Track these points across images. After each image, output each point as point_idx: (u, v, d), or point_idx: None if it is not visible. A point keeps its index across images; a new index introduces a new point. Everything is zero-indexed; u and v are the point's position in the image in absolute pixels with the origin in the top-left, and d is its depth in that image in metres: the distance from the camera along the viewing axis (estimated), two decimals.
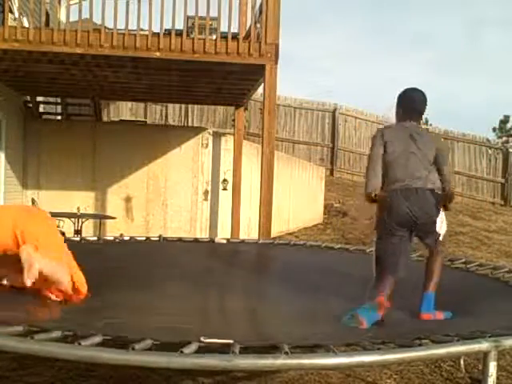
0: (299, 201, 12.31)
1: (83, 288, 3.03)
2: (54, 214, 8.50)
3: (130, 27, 6.98)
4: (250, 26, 7.29)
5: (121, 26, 6.95)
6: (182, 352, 2.17)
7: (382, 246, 3.69)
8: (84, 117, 11.48)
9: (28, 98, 10.38)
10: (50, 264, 2.82)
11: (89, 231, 9.09)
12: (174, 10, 6.94)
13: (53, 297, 2.93)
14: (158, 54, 7.01)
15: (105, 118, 12.93)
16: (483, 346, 2.47)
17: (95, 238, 6.20)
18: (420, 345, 2.46)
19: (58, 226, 8.41)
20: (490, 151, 17.55)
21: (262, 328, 3.59)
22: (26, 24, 7.66)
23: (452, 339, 2.52)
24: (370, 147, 3.84)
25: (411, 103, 3.84)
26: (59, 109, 11.61)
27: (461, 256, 6.88)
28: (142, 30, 7.14)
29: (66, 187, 9.81)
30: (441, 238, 3.78)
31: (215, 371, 3.58)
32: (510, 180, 17.42)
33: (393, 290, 3.55)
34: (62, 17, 9.06)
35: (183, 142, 10.03)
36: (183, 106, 15.03)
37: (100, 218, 9.48)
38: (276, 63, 7.03)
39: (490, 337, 2.52)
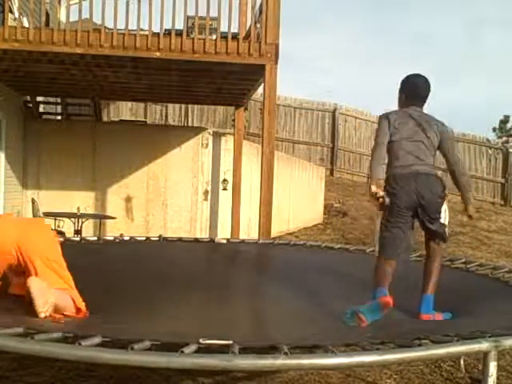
0: (299, 201, 12.31)
1: (82, 307, 3.05)
2: (54, 214, 8.57)
3: (130, 27, 6.98)
4: (250, 26, 7.29)
5: (121, 26, 6.95)
6: (182, 352, 2.17)
7: (388, 229, 3.64)
8: (84, 117, 11.49)
9: (28, 98, 10.38)
10: (57, 293, 2.87)
11: (89, 231, 9.09)
12: (174, 10, 6.95)
13: (56, 317, 2.94)
14: (158, 53, 7.01)
15: (105, 118, 12.93)
16: (483, 346, 2.46)
17: (95, 238, 6.20)
18: (420, 345, 2.45)
19: (58, 226, 8.54)
20: (490, 151, 17.56)
21: (261, 328, 3.59)
22: (26, 24, 7.65)
23: (452, 339, 2.51)
24: (376, 131, 3.78)
25: (415, 88, 3.81)
26: (59, 109, 11.61)
27: (461, 256, 6.88)
28: (142, 30, 7.14)
29: (66, 187, 9.82)
30: (446, 230, 3.77)
31: (215, 371, 3.58)
32: (510, 180, 17.42)
33: (392, 290, 3.54)
34: (62, 17, 9.06)
35: (183, 142, 10.03)
36: (183, 106, 15.03)
37: (100, 217, 9.48)
38: (276, 63, 7.03)
39: (490, 337, 2.52)
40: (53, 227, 8.53)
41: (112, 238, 5.97)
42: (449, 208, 3.91)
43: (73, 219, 8.39)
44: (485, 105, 48.05)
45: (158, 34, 7.03)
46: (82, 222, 8.46)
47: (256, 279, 4.73)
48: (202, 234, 9.75)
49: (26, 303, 2.89)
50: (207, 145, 10.02)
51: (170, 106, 15.16)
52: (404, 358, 2.59)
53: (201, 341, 2.30)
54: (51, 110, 11.86)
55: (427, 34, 62.09)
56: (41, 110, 11.15)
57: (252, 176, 9.42)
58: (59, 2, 9.87)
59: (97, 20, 7.50)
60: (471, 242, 11.82)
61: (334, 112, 16.58)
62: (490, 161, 17.48)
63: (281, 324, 3.47)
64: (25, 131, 9.98)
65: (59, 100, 11.42)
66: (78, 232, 8.23)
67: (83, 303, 3.06)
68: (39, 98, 10.87)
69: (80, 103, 11.38)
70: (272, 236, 7.56)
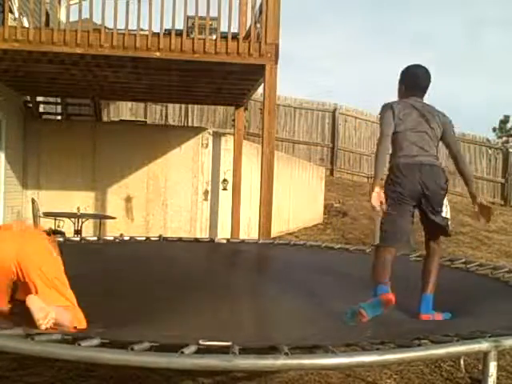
0: (299, 201, 12.31)
1: (83, 321, 3.04)
2: (54, 214, 8.57)
3: (130, 27, 6.98)
4: (250, 26, 7.29)
5: (121, 26, 6.95)
6: (182, 353, 2.16)
7: (390, 217, 3.60)
8: (84, 117, 11.49)
9: (28, 98, 10.38)
10: (58, 309, 2.85)
11: (89, 231, 9.09)
12: (174, 9, 6.94)
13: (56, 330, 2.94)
14: (158, 53, 7.01)
15: (105, 118, 12.93)
16: (483, 346, 2.46)
17: (95, 238, 6.20)
18: (420, 345, 2.45)
19: (58, 226, 8.53)
20: (490, 151, 17.56)
21: (261, 328, 3.59)
22: (26, 24, 7.65)
23: (452, 339, 2.51)
24: (380, 120, 3.73)
25: (415, 79, 3.79)
26: (59, 109, 11.61)
27: (461, 256, 6.89)
28: (142, 30, 7.14)
29: (66, 187, 9.81)
30: (449, 223, 3.76)
31: (215, 371, 3.58)
32: (510, 180, 17.43)
33: (392, 290, 3.54)
34: (62, 17, 9.06)
35: (183, 142, 10.03)
36: (183, 105, 15.03)
37: (100, 217, 9.48)
38: (276, 63, 7.02)
39: (490, 337, 2.51)
40: (53, 227, 8.56)
41: (112, 238, 5.97)
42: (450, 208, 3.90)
43: (73, 219, 8.39)
44: (485, 105, 48.08)
45: (158, 33, 7.03)
46: (82, 222, 8.46)
47: (256, 279, 4.72)
48: (202, 233, 9.75)
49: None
50: (207, 145, 10.02)
51: (170, 105, 15.15)
52: (404, 358, 2.59)
53: (200, 342, 2.30)
54: (51, 110, 11.86)
55: (427, 34, 62.14)
56: (41, 110, 11.15)
57: (252, 176, 9.42)
58: (59, 2, 9.87)
59: (97, 20, 7.51)
60: (471, 241, 11.82)
61: (334, 112, 16.58)
62: (490, 161, 17.48)
63: (281, 324, 3.47)
64: (25, 131, 9.97)
65: (59, 100, 11.41)
66: (77, 232, 8.23)
67: (84, 320, 3.02)
68: (39, 98, 10.87)
69: (80, 103, 11.38)
70: (272, 236, 7.56)
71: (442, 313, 3.58)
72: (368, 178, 16.10)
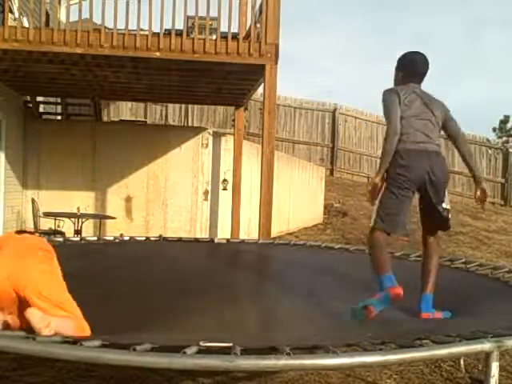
0: (299, 201, 12.30)
1: (87, 330, 3.00)
2: (54, 214, 8.57)
3: (130, 27, 6.98)
4: (250, 26, 7.29)
5: (121, 26, 6.95)
6: (184, 353, 2.16)
7: (390, 200, 3.56)
8: (84, 117, 11.49)
9: (28, 98, 10.38)
10: (59, 319, 2.81)
11: (89, 231, 9.09)
12: (174, 9, 6.94)
13: None
14: (158, 54, 7.01)
15: (105, 118, 12.93)
16: (485, 346, 2.45)
17: (95, 238, 6.20)
18: (421, 345, 2.45)
19: (58, 226, 8.53)
20: (490, 151, 17.56)
21: (261, 328, 3.58)
22: (26, 24, 7.65)
23: (454, 339, 2.51)
24: (386, 105, 3.65)
25: (413, 66, 3.74)
26: (59, 109, 11.61)
27: (461, 256, 6.89)
28: (142, 30, 7.14)
29: (66, 187, 9.81)
30: (450, 216, 3.75)
31: (215, 372, 3.58)
32: (510, 180, 17.43)
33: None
34: (62, 17, 9.05)
35: (183, 142, 10.03)
36: (183, 105, 15.03)
37: (100, 217, 9.48)
38: (276, 63, 7.02)
39: (492, 337, 2.51)
40: (53, 227, 8.56)
41: (112, 238, 5.97)
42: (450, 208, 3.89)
43: (73, 219, 8.39)
44: (485, 105, 48.06)
45: (158, 33, 7.03)
46: (82, 222, 8.46)
47: (256, 279, 4.72)
48: (202, 234, 9.75)
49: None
50: (207, 145, 10.02)
51: (170, 105, 15.15)
52: (406, 359, 2.58)
53: (201, 343, 2.29)
54: (51, 110, 11.86)
55: (427, 34, 62.07)
56: (41, 110, 11.15)
57: (252, 176, 9.41)
58: (59, 2, 9.86)
59: (97, 20, 7.51)
60: (471, 241, 11.82)
61: (334, 112, 16.58)
62: (490, 161, 17.48)
63: (281, 324, 3.47)
64: (25, 131, 9.97)
65: (59, 100, 11.42)
66: (77, 232, 8.23)
67: (88, 329, 2.98)
68: (39, 98, 10.86)
69: (80, 103, 11.38)
70: (272, 236, 7.56)
71: (442, 311, 3.58)
72: (368, 177, 16.09)
